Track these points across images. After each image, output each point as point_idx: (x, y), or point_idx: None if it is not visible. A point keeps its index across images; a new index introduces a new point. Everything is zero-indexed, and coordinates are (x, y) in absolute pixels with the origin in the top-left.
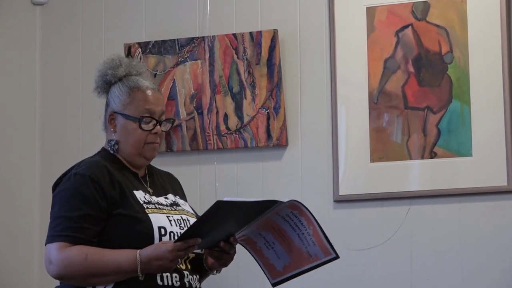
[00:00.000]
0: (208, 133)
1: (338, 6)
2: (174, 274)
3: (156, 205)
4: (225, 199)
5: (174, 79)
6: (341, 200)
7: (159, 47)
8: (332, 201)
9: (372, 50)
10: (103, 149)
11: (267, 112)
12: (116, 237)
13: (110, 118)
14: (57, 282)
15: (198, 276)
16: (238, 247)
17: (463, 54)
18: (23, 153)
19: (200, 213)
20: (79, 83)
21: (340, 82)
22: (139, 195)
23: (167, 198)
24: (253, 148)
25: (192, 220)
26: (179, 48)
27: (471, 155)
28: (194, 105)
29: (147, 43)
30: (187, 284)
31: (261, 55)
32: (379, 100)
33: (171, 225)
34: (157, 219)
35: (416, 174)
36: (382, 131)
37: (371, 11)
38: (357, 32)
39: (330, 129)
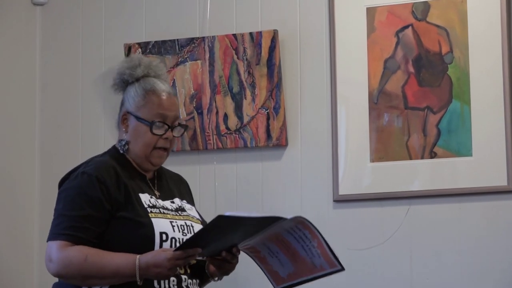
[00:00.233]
0: (208, 133)
1: (338, 7)
2: (172, 278)
3: (160, 209)
4: (227, 214)
5: (174, 79)
6: (341, 200)
7: (159, 47)
8: (332, 201)
9: (372, 50)
10: (114, 147)
11: (267, 112)
12: (117, 240)
13: (123, 118)
14: (56, 279)
15: (198, 280)
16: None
17: (463, 54)
18: (23, 153)
19: (203, 215)
20: (79, 83)
21: (340, 82)
22: (144, 198)
23: (173, 203)
24: (253, 148)
25: (197, 226)
26: (179, 48)
27: (471, 155)
28: (194, 105)
29: (147, 43)
30: None
31: (261, 56)
32: (379, 100)
33: (174, 230)
34: (160, 224)
35: (416, 174)
36: (382, 131)
37: (371, 12)
38: (357, 33)
39: (330, 129)
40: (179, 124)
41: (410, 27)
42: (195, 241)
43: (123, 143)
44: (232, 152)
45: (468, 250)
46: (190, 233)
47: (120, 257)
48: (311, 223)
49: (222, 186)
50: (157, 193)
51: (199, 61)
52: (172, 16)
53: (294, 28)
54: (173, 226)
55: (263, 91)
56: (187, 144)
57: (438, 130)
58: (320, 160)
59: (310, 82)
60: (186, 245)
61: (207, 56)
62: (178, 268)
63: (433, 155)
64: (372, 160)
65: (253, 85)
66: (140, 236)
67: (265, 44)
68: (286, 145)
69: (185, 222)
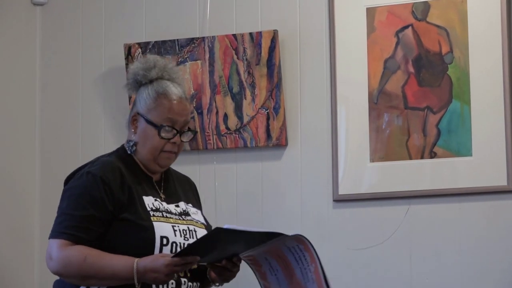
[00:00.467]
0: (207, 133)
1: (338, 7)
2: (171, 281)
3: (163, 213)
4: (225, 226)
5: None
6: (341, 200)
7: (159, 48)
8: (331, 200)
9: (372, 51)
10: (122, 147)
11: (267, 112)
12: (118, 242)
13: (133, 119)
14: (58, 278)
15: (198, 284)
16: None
17: (463, 54)
18: (23, 153)
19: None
20: (79, 83)
21: (340, 82)
22: (148, 201)
23: (177, 206)
24: (253, 148)
25: (200, 231)
26: (179, 49)
27: (471, 155)
28: (194, 105)
29: (147, 43)
30: None
31: (261, 56)
32: (379, 100)
33: (175, 235)
34: (161, 228)
35: (416, 174)
36: (382, 131)
37: (371, 12)
38: (357, 33)
39: (330, 129)
40: (189, 129)
41: (410, 27)
42: (194, 249)
43: (131, 143)
44: (232, 152)
45: (468, 250)
46: (193, 238)
47: (119, 260)
48: (311, 244)
49: (222, 186)
50: (163, 196)
51: (199, 61)
52: (172, 16)
53: (294, 28)
54: (175, 231)
55: (263, 91)
56: (187, 144)
57: (438, 130)
58: (320, 160)
59: (310, 82)
60: (185, 252)
61: (207, 56)
62: (175, 274)
63: (433, 155)
64: (372, 160)
65: (253, 85)
66: (141, 239)
67: (265, 44)
68: (286, 145)
69: (188, 227)
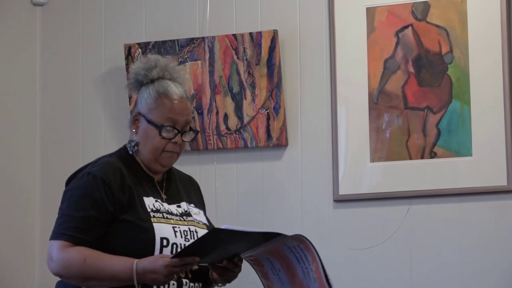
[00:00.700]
0: (208, 133)
1: (338, 7)
2: (172, 282)
3: (164, 214)
4: (223, 227)
5: None
6: (341, 200)
7: (159, 48)
8: (332, 200)
9: (372, 51)
10: (124, 148)
11: (267, 112)
12: (118, 243)
13: (135, 119)
14: (58, 279)
15: (200, 284)
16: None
17: (463, 54)
18: (24, 153)
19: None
20: (79, 83)
21: (340, 82)
22: (149, 202)
23: (179, 207)
24: (253, 148)
25: (201, 231)
26: (179, 49)
27: (471, 155)
28: (194, 105)
29: (147, 43)
30: None
31: (261, 56)
32: (379, 100)
33: (176, 236)
34: (162, 229)
35: (416, 174)
36: (382, 131)
37: (371, 12)
38: (357, 33)
39: (330, 129)
40: (191, 129)
41: (410, 27)
42: (193, 249)
43: (133, 144)
44: (232, 152)
45: (468, 250)
46: (193, 238)
47: (118, 261)
48: (312, 245)
49: (223, 186)
50: (164, 197)
51: (199, 61)
52: (172, 16)
53: (294, 28)
54: (175, 232)
55: (263, 91)
56: (187, 144)
57: (438, 130)
58: (320, 160)
59: (310, 82)
60: (184, 253)
61: (207, 56)
62: (174, 275)
63: (433, 155)
64: (372, 160)
65: (253, 85)
66: (141, 241)
67: (265, 44)
68: (286, 145)
69: (189, 228)
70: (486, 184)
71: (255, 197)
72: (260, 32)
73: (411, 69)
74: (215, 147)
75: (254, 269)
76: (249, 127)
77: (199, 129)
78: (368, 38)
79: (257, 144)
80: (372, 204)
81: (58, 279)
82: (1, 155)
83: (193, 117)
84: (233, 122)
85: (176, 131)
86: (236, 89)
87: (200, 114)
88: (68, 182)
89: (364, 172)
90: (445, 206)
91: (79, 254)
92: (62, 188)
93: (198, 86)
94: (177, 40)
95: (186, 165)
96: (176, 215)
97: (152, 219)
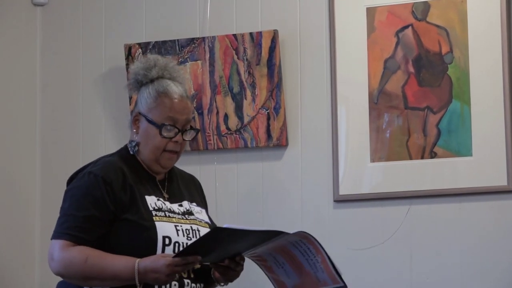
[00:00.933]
0: (208, 133)
1: (338, 7)
2: (173, 282)
3: (166, 212)
4: (225, 226)
5: None
6: (341, 200)
7: (160, 48)
8: (332, 201)
9: (372, 51)
10: (125, 147)
11: (267, 112)
12: (120, 242)
13: (135, 119)
14: (58, 279)
15: (202, 285)
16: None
17: (463, 54)
18: (24, 153)
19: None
20: (79, 83)
21: (340, 82)
22: (151, 201)
23: (181, 206)
24: (253, 148)
25: (203, 230)
26: (179, 49)
27: (471, 155)
28: (194, 106)
29: (147, 43)
30: None
31: (261, 56)
32: (379, 100)
33: (178, 235)
34: (164, 228)
35: (416, 174)
36: (382, 131)
37: (371, 12)
38: (357, 33)
39: (330, 129)
40: (191, 128)
41: (410, 27)
42: (195, 248)
43: (134, 144)
44: (232, 152)
45: (468, 250)
46: (196, 237)
47: (120, 260)
48: (315, 238)
49: (223, 186)
50: (166, 196)
51: (199, 61)
52: (172, 17)
53: (294, 28)
54: (177, 230)
55: (264, 91)
56: (187, 144)
57: (438, 130)
58: (321, 160)
59: (310, 82)
60: (186, 252)
61: (207, 56)
62: (176, 274)
63: (433, 155)
64: (372, 160)
65: (253, 85)
66: (143, 240)
67: (265, 44)
68: (287, 145)
69: (191, 226)
70: (486, 184)
71: (255, 197)
72: (261, 32)
73: (411, 69)
74: (215, 147)
75: (257, 264)
76: (249, 127)
77: (198, 127)
78: (368, 38)
79: (257, 144)
80: (372, 204)
81: (58, 279)
82: (1, 155)
83: (193, 117)
84: (233, 122)
85: (176, 130)
86: (236, 89)
87: (200, 114)
88: (69, 181)
89: (364, 172)
90: (445, 206)
91: (80, 254)
92: (62, 188)
93: (198, 86)
94: (178, 40)
95: (186, 165)
96: (178, 213)
97: (154, 217)
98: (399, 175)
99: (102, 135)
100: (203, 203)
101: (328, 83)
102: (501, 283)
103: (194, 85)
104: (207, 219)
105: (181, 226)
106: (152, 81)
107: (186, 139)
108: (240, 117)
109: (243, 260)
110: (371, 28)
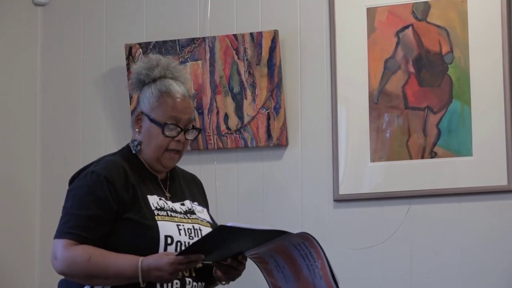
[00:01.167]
0: (208, 133)
1: (339, 7)
2: (175, 281)
3: (168, 212)
4: (229, 224)
5: None
6: (341, 200)
7: (160, 48)
8: (332, 200)
9: (373, 51)
10: (127, 147)
11: (268, 112)
12: (122, 241)
13: (137, 118)
14: (58, 279)
15: (203, 283)
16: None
17: (463, 54)
18: (24, 153)
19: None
20: (80, 83)
21: (340, 82)
22: (153, 200)
23: (183, 205)
24: (254, 148)
25: (205, 229)
26: (179, 49)
27: (471, 155)
28: (195, 105)
29: (148, 43)
30: None
31: (262, 56)
32: (379, 100)
33: (180, 234)
34: (166, 227)
35: (416, 174)
36: (382, 131)
37: (371, 12)
38: (358, 33)
39: (330, 129)
40: (193, 127)
41: (410, 27)
42: (198, 247)
43: (136, 143)
44: (232, 152)
45: (468, 250)
46: (198, 236)
47: (123, 259)
48: (317, 242)
49: (223, 186)
50: (168, 195)
51: (199, 61)
52: (172, 17)
53: (295, 28)
54: (179, 230)
55: (264, 91)
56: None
57: (438, 130)
58: (321, 160)
59: (311, 82)
60: (189, 251)
61: (208, 56)
62: (179, 273)
63: (433, 155)
64: (372, 160)
65: (253, 85)
66: (145, 239)
67: (266, 44)
68: (287, 145)
69: (193, 226)
70: (486, 184)
71: (255, 197)
72: (261, 32)
73: (412, 69)
74: (216, 147)
75: (258, 267)
76: (249, 127)
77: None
78: (368, 38)
79: (257, 144)
80: (372, 204)
81: (58, 279)
82: (2, 155)
83: (194, 117)
84: (233, 122)
85: (179, 129)
86: (236, 89)
87: (201, 114)
88: (71, 181)
89: (364, 172)
90: (445, 206)
91: (83, 253)
92: (62, 188)
93: (199, 86)
94: (178, 40)
95: (186, 165)
96: (180, 213)
97: (156, 217)
98: (399, 175)
99: (102, 135)
100: (204, 202)
101: (328, 83)
102: (501, 283)
103: (194, 85)
104: (208, 219)
105: (183, 225)
106: (154, 80)
107: (189, 138)
108: (240, 117)
109: (246, 259)
110: (371, 28)
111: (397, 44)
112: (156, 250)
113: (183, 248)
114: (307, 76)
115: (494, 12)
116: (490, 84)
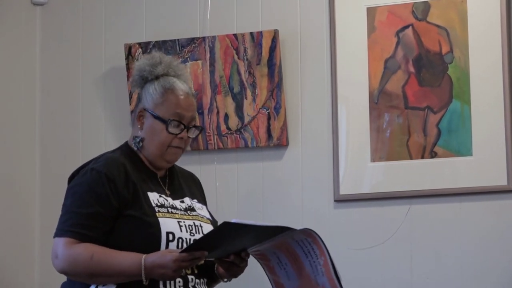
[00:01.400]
0: (208, 133)
1: (339, 7)
2: (178, 279)
3: (169, 209)
4: (233, 221)
5: None
6: (342, 200)
7: (160, 47)
8: (332, 200)
9: (373, 50)
10: (126, 144)
11: (268, 112)
12: (124, 238)
13: (139, 115)
14: (58, 279)
15: (205, 280)
16: (252, 259)
17: (463, 54)
18: (24, 153)
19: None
20: (79, 83)
21: (340, 82)
22: (153, 197)
23: (183, 202)
24: (254, 148)
25: (206, 226)
26: (179, 48)
27: (471, 155)
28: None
29: (148, 43)
30: None
31: (262, 55)
32: (379, 100)
33: (181, 231)
34: (167, 224)
35: (417, 174)
36: (382, 131)
37: (371, 12)
38: (358, 33)
39: (330, 129)
40: (195, 126)
41: (410, 27)
42: (202, 244)
43: (138, 140)
44: (233, 152)
45: (468, 250)
46: (198, 233)
47: (126, 256)
48: (320, 238)
49: (223, 186)
50: (168, 192)
51: (199, 61)
52: (172, 16)
53: (295, 28)
54: (180, 226)
55: (264, 91)
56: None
57: (438, 130)
58: (321, 160)
59: (311, 82)
60: (192, 248)
61: (208, 56)
62: (183, 270)
63: (433, 154)
64: (373, 160)
65: (253, 85)
66: (147, 236)
67: (266, 44)
68: (287, 145)
69: (194, 222)
70: (486, 184)
71: (255, 197)
72: (261, 32)
73: (412, 69)
74: (216, 147)
75: (260, 264)
76: (249, 127)
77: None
78: (368, 38)
79: (257, 144)
80: (373, 204)
81: (58, 279)
82: (1, 155)
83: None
84: (233, 122)
85: (182, 126)
86: (236, 89)
87: (201, 114)
88: (70, 178)
89: (364, 172)
90: (445, 206)
91: (85, 251)
92: (62, 188)
93: (199, 86)
94: (178, 40)
95: (186, 165)
96: (180, 210)
97: (157, 214)
98: (399, 175)
99: (102, 135)
100: (203, 200)
101: (329, 83)
102: (501, 283)
103: (194, 85)
104: (208, 215)
105: (184, 222)
106: (157, 77)
107: (191, 136)
108: (240, 117)
109: (248, 256)
110: (371, 28)
111: (397, 44)
112: (158, 247)
113: (184, 244)
114: (307, 76)
115: (494, 12)
116: (490, 84)
